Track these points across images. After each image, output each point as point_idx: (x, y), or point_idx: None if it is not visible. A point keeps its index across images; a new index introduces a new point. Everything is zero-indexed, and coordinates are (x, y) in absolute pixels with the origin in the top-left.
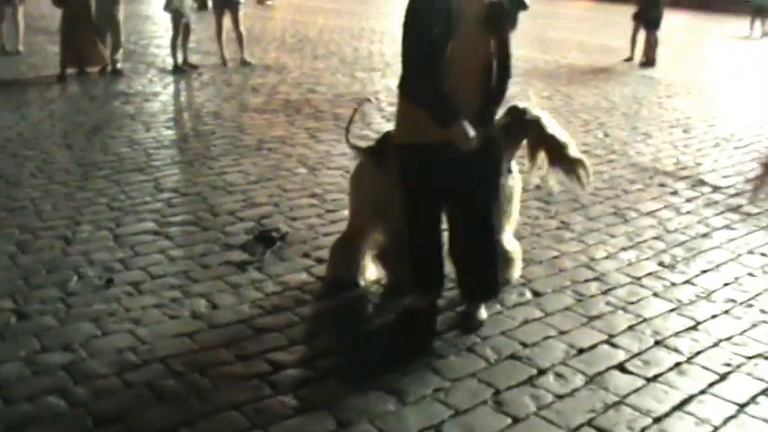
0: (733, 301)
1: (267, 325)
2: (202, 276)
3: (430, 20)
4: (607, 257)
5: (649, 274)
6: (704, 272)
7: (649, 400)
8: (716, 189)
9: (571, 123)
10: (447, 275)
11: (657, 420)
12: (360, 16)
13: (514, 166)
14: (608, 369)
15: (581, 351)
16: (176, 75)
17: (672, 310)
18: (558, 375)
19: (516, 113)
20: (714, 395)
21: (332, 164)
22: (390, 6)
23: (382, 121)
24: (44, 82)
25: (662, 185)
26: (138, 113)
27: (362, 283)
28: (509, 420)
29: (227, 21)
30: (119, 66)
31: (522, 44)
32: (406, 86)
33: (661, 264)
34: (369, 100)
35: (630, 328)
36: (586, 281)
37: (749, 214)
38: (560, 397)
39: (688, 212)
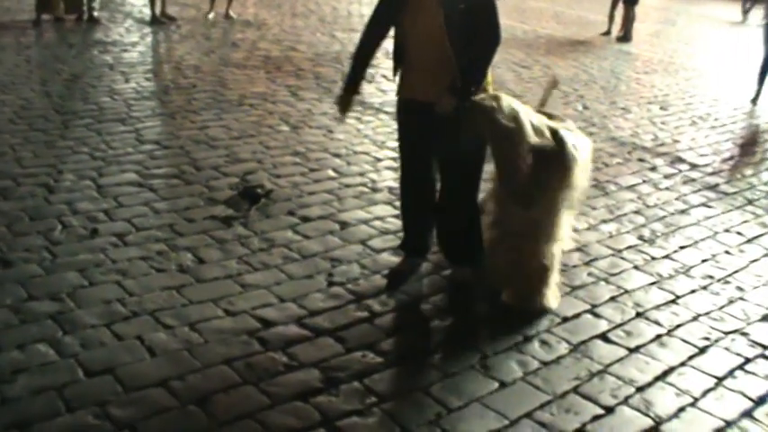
0: (711, 277)
1: (255, 282)
2: (187, 230)
3: None
4: (588, 229)
5: (630, 247)
6: (683, 248)
7: (632, 370)
8: (693, 167)
9: (551, 95)
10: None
11: (640, 390)
12: None
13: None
14: (591, 338)
15: (565, 319)
16: (154, 26)
17: (652, 284)
18: (543, 342)
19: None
20: (693, 367)
21: (314, 123)
22: None
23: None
24: (19, 26)
25: (641, 160)
26: (117, 63)
27: None
28: (496, 384)
29: None
30: (95, 14)
31: (502, 12)
32: None
33: (641, 238)
34: (557, 81)
35: (612, 299)
36: (569, 251)
37: (726, 193)
38: (546, 364)
39: (666, 188)
